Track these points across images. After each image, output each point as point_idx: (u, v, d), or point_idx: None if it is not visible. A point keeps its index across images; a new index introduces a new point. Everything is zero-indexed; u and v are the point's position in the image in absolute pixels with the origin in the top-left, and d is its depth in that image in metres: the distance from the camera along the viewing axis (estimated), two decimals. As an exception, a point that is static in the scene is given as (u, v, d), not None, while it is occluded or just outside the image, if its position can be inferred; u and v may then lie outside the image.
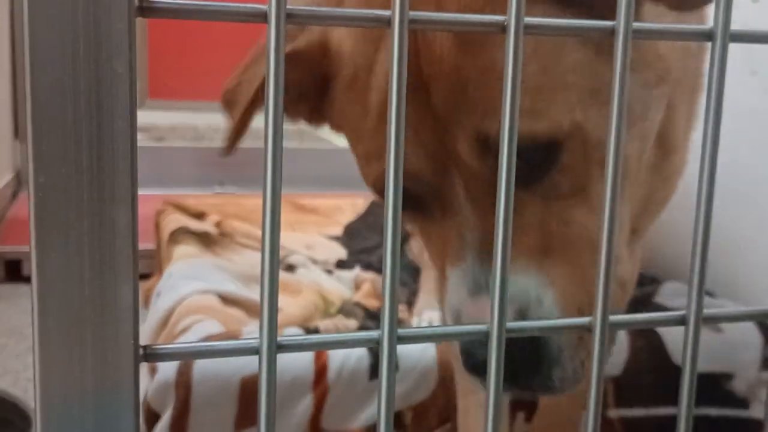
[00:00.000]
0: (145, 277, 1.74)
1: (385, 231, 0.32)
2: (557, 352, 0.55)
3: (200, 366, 0.94)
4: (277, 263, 0.32)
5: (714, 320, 0.39)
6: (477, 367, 0.55)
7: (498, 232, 0.34)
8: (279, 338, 0.32)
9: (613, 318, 0.37)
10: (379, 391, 0.34)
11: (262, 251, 0.31)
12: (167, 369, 0.95)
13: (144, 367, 1.08)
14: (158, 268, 1.58)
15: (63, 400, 0.30)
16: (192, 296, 1.14)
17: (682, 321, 0.38)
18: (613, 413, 1.05)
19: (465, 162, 0.55)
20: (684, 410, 0.38)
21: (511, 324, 0.35)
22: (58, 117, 0.28)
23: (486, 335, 0.35)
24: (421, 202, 0.59)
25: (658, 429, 1.06)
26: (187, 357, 0.33)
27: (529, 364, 0.54)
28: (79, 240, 0.29)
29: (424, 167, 0.57)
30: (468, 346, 0.55)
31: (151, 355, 0.32)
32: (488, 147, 0.53)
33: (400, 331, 0.34)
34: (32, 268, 0.29)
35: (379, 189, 0.59)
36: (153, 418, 0.98)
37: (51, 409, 0.30)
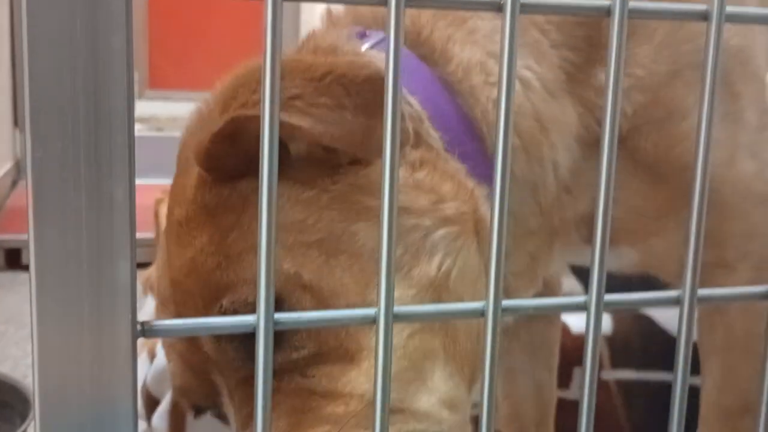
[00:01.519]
0: (144, 265, 1.74)
1: (382, 203, 0.32)
2: None
3: (199, 351, 0.94)
4: (273, 239, 0.32)
5: (708, 300, 0.39)
6: None
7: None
8: (276, 315, 0.33)
9: (608, 297, 0.37)
10: (375, 368, 0.34)
11: (259, 227, 0.31)
12: (166, 354, 0.96)
13: (143, 353, 1.09)
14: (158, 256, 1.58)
15: (61, 376, 0.31)
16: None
17: (677, 301, 0.38)
18: (608, 375, 1.07)
19: (216, 361, 0.52)
20: (678, 391, 0.38)
21: (506, 302, 0.36)
22: (55, 91, 0.28)
23: (482, 312, 0.35)
24: (217, 412, 0.57)
25: (649, 393, 1.09)
26: (184, 333, 0.33)
27: None
28: (77, 215, 0.29)
29: (190, 380, 0.55)
30: None
31: (149, 331, 0.32)
32: (219, 336, 0.50)
33: (396, 308, 0.35)
34: (30, 243, 0.29)
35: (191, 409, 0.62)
36: (152, 403, 0.98)
37: (49, 384, 0.30)
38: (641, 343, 1.09)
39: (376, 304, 0.33)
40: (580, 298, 0.37)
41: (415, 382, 0.51)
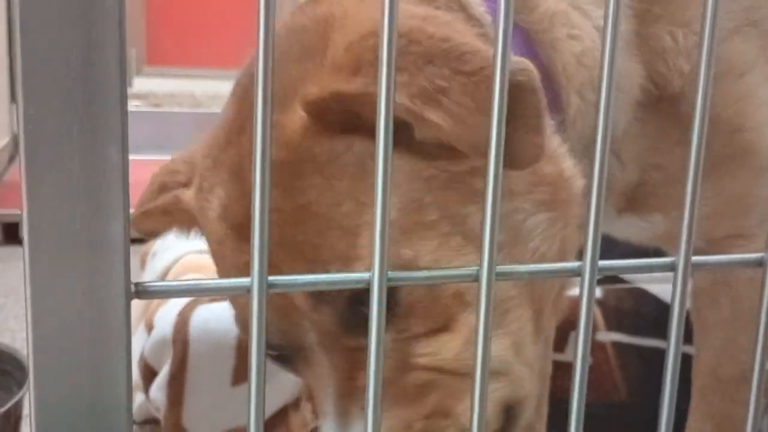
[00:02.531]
0: (141, 241, 1.74)
1: (376, 168, 0.32)
2: None
3: (197, 321, 0.94)
4: (266, 202, 0.32)
5: (703, 267, 0.39)
6: None
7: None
8: (270, 278, 0.33)
9: (602, 263, 0.37)
10: (369, 331, 0.34)
11: (253, 190, 0.31)
12: (164, 325, 0.96)
13: (140, 324, 1.09)
14: (156, 230, 1.58)
15: (55, 338, 0.31)
16: (187, 255, 1.14)
17: (671, 267, 0.39)
18: (604, 336, 1.08)
19: (301, 308, 0.51)
20: (671, 358, 0.39)
21: (501, 267, 0.36)
22: (47, 49, 0.28)
23: (475, 278, 0.36)
24: (287, 356, 0.56)
25: (643, 358, 1.11)
26: (178, 294, 0.33)
27: None
28: (70, 174, 0.29)
29: (271, 311, 0.54)
30: None
31: (143, 292, 0.32)
32: (321, 297, 0.50)
33: (391, 273, 0.35)
34: (23, 203, 0.29)
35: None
36: (150, 374, 0.98)
37: (43, 347, 0.30)
38: (633, 308, 1.11)
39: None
40: (574, 264, 0.37)
41: (511, 348, 0.53)
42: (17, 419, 0.94)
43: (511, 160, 0.45)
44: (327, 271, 0.49)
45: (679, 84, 0.61)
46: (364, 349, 0.50)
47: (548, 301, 0.56)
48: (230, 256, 0.55)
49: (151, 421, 1.12)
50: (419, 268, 0.49)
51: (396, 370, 0.51)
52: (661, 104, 0.62)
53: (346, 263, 0.49)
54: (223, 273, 0.58)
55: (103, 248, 0.30)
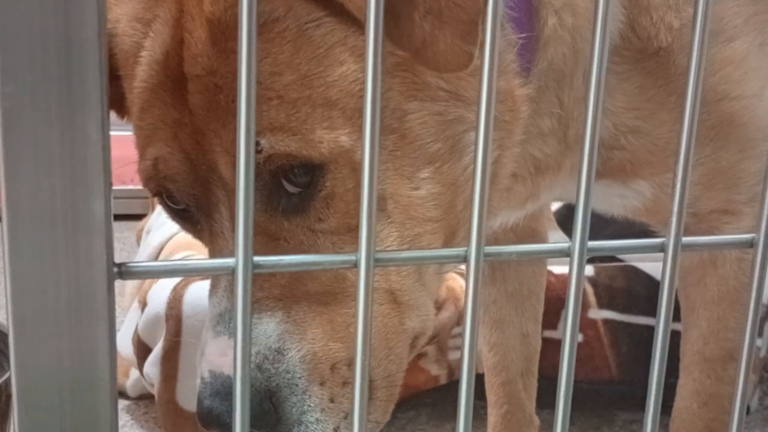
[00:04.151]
0: (139, 217, 1.74)
1: (363, 147, 0.31)
2: (298, 414, 0.48)
3: (190, 298, 0.94)
4: (251, 179, 0.31)
5: (692, 247, 0.39)
6: (206, 417, 0.49)
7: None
8: (255, 258, 0.32)
9: (591, 244, 0.37)
10: (356, 310, 0.34)
11: (237, 164, 0.31)
12: (158, 302, 0.96)
13: (134, 302, 1.09)
14: (152, 207, 1.58)
15: (36, 319, 0.30)
16: (181, 232, 1.14)
17: (661, 248, 0.38)
18: (595, 314, 1.09)
19: (224, 176, 0.48)
20: (661, 337, 0.38)
21: (489, 248, 0.35)
22: (25, 23, 0.27)
23: (464, 258, 0.35)
24: (190, 214, 0.53)
25: (632, 335, 1.12)
26: (163, 275, 0.32)
27: (265, 421, 0.48)
28: (50, 151, 0.28)
29: (185, 173, 0.50)
30: (201, 395, 0.49)
31: (126, 272, 0.31)
32: None
33: (377, 254, 0.34)
34: (1, 181, 0.28)
35: (149, 187, 0.52)
36: (144, 351, 0.99)
37: (24, 326, 0.30)
38: (625, 286, 1.11)
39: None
40: (564, 245, 0.37)
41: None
42: (8, 396, 0.94)
43: (434, 60, 0.43)
44: (257, 144, 0.45)
45: (667, 39, 0.58)
46: (276, 236, 0.48)
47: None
48: (159, 108, 0.50)
49: (145, 396, 1.13)
50: (354, 163, 0.47)
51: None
52: (646, 62, 0.59)
53: (280, 136, 0.46)
54: (145, 129, 0.51)
55: (85, 227, 0.30)
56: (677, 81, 0.59)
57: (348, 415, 0.49)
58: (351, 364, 0.49)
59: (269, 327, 0.48)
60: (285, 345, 0.48)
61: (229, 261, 0.32)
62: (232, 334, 0.35)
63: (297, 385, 0.48)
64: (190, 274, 0.32)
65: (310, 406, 0.48)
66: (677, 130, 0.60)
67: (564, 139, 0.60)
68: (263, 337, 0.48)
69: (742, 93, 0.61)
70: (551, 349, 0.88)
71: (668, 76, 0.59)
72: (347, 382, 0.49)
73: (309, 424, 0.48)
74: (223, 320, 0.50)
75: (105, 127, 0.29)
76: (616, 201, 0.66)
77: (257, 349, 0.48)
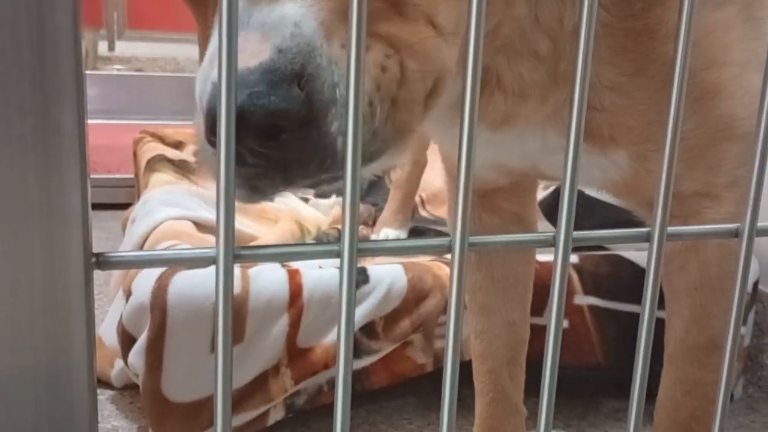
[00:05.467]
0: (125, 206, 1.72)
1: (346, 142, 0.31)
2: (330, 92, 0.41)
3: (175, 288, 0.94)
4: (233, 170, 0.31)
5: (678, 237, 0.38)
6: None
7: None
8: (236, 248, 0.32)
9: (576, 234, 0.37)
10: (339, 299, 0.34)
11: (218, 156, 0.30)
12: (142, 292, 0.95)
13: (119, 291, 1.08)
14: (137, 196, 1.57)
15: (10, 312, 0.30)
16: (167, 221, 1.13)
17: (646, 238, 0.38)
18: (581, 300, 1.10)
19: None
20: (645, 327, 0.38)
21: (474, 238, 0.35)
22: (-5, 10, 0.26)
23: (448, 249, 0.35)
24: None
25: (618, 321, 1.12)
26: (142, 265, 0.32)
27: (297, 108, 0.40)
28: (22, 141, 0.28)
29: None
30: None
31: (104, 263, 0.31)
32: None
33: (360, 243, 0.34)
34: (-25, 171, 0.28)
35: None
36: (128, 341, 0.98)
37: None
38: (610, 273, 1.12)
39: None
40: (549, 234, 0.37)
41: None
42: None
43: None
44: None
45: None
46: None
47: None
48: None
49: (130, 386, 1.12)
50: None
51: None
52: (634, 21, 0.56)
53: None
54: None
55: (60, 217, 0.29)
56: (663, 46, 0.56)
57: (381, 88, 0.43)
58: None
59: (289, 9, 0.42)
60: (301, 21, 0.41)
61: (209, 251, 0.32)
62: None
63: (323, 57, 0.41)
64: (170, 264, 0.32)
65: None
66: (657, 100, 0.59)
67: (554, 73, 0.58)
68: (281, 23, 0.41)
69: (730, 59, 0.58)
70: (537, 335, 0.88)
71: (654, 40, 0.57)
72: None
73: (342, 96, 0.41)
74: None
75: (81, 117, 0.28)
76: (596, 174, 0.64)
77: (277, 42, 0.41)
